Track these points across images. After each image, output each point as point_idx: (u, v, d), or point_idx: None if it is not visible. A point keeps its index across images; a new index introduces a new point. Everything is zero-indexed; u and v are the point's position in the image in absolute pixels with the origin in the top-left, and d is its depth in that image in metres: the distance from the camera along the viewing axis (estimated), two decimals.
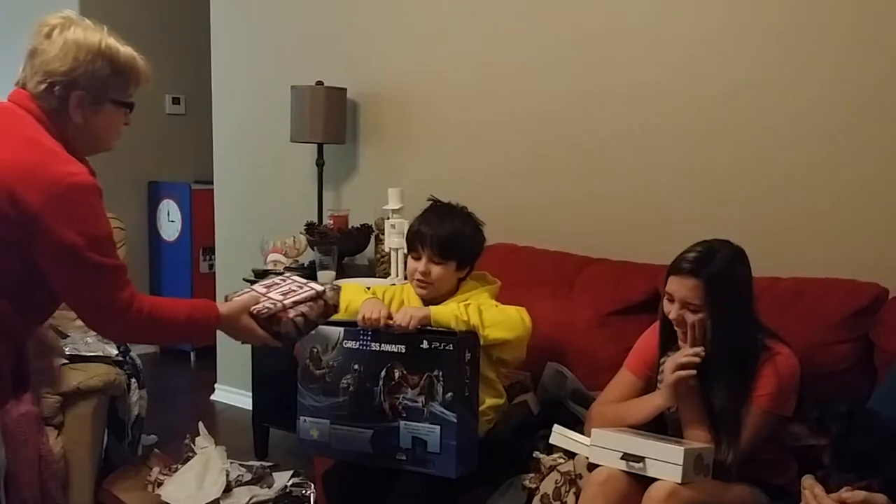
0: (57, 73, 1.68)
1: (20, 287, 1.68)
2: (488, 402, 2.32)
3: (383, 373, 2.15)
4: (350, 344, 2.19)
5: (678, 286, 2.06)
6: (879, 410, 1.93)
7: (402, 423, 2.12)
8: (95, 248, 1.65)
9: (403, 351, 2.13)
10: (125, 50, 1.77)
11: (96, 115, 1.74)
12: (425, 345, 2.11)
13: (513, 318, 2.26)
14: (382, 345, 2.16)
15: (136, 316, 1.71)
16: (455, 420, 2.07)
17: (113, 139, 1.83)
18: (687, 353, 2.02)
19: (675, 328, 2.11)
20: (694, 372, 2.01)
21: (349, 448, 2.18)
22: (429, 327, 2.17)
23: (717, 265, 2.05)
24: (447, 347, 2.09)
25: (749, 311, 2.08)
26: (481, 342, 2.19)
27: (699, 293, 2.03)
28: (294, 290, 1.98)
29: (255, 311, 1.90)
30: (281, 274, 2.19)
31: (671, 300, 2.09)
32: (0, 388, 1.71)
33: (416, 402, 2.11)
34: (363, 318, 2.18)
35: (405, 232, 3.07)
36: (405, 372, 2.12)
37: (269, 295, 1.96)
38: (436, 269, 2.34)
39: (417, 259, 2.37)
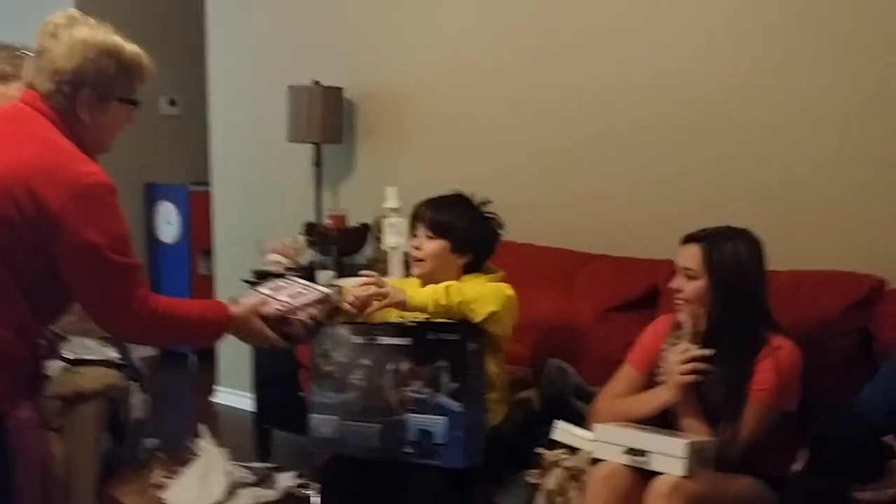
0: (64, 72, 1.68)
1: (39, 288, 1.69)
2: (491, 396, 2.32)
3: (391, 366, 2.16)
4: (358, 339, 2.21)
5: (682, 254, 2.11)
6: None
7: (409, 415, 2.13)
8: (115, 247, 1.66)
9: (410, 343, 2.15)
10: (130, 47, 1.77)
11: (103, 113, 1.75)
12: (431, 336, 2.13)
13: (493, 290, 2.24)
14: (389, 338, 2.17)
15: (152, 314, 1.72)
16: (461, 410, 2.08)
17: (114, 139, 1.83)
18: (694, 351, 2.02)
19: (674, 300, 2.11)
20: (702, 377, 2.01)
21: (359, 444, 2.19)
22: (428, 320, 2.18)
23: (723, 238, 2.07)
24: (451, 338, 2.11)
25: (755, 299, 2.08)
26: (471, 317, 2.17)
27: (699, 260, 2.05)
28: (301, 293, 1.99)
29: (265, 313, 1.90)
30: (283, 276, 2.19)
31: (676, 272, 2.11)
32: (16, 387, 1.71)
33: (423, 393, 2.12)
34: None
35: (404, 230, 3.08)
36: (412, 364, 2.14)
37: (278, 297, 1.96)
38: (427, 245, 2.34)
39: (415, 236, 2.39)
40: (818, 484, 1.78)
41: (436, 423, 2.09)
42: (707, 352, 2.01)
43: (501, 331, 2.29)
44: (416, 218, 2.41)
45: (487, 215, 2.43)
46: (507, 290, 2.28)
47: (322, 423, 2.24)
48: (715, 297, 2.05)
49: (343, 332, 2.24)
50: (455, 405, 2.08)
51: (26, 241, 1.63)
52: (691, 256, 2.08)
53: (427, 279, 2.39)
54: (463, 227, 2.35)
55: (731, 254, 2.05)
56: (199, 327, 1.84)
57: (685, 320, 2.10)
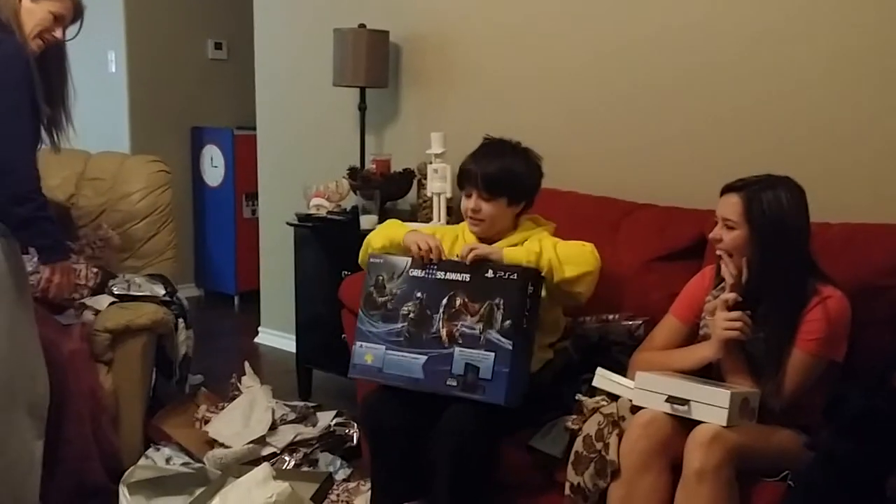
0: None
1: None
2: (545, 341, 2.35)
3: (445, 300, 2.18)
4: (416, 272, 2.23)
5: (721, 204, 2.07)
6: None
7: (457, 349, 2.14)
8: None
9: (468, 280, 2.16)
10: None
11: None
12: (490, 274, 2.15)
13: (586, 252, 2.27)
14: (448, 273, 2.19)
15: None
16: (510, 348, 2.09)
17: None
18: (732, 299, 1.99)
19: (716, 252, 2.09)
20: (745, 335, 1.98)
21: (400, 373, 2.20)
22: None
23: (764, 187, 2.02)
24: (511, 277, 2.13)
25: (799, 249, 2.03)
26: (557, 278, 2.18)
27: (738, 210, 2.02)
28: None
29: None
30: None
31: (717, 222, 2.08)
32: None
33: (474, 329, 2.13)
34: (419, 248, 2.21)
35: (447, 176, 3.07)
36: (467, 300, 2.15)
37: None
38: (486, 207, 2.33)
39: (468, 197, 2.36)
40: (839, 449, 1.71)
41: (483, 359, 2.11)
42: (740, 311, 1.99)
43: (586, 290, 2.27)
44: (466, 179, 2.36)
45: (529, 155, 2.40)
46: (596, 253, 2.28)
47: (367, 351, 2.26)
48: (756, 246, 2.01)
49: (401, 263, 2.26)
50: (505, 342, 2.10)
51: None
52: (730, 206, 2.04)
53: (484, 234, 2.39)
54: (516, 182, 2.32)
55: (771, 203, 2.00)
56: None
57: (726, 270, 2.07)
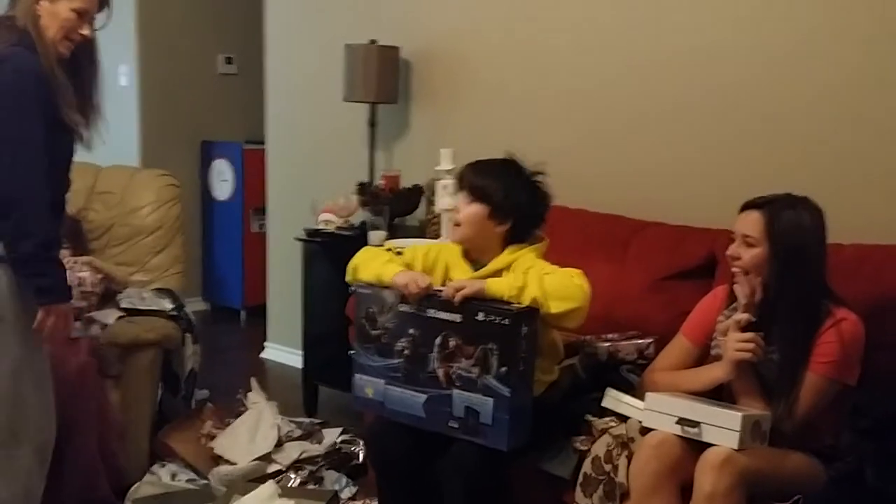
0: None
1: None
2: (546, 365, 2.29)
3: (438, 340, 2.11)
4: (405, 308, 2.15)
5: (741, 221, 2.05)
6: None
7: (455, 391, 2.08)
8: None
9: (459, 321, 2.08)
10: None
11: None
12: (481, 317, 2.05)
13: (573, 286, 2.13)
14: (438, 312, 2.10)
15: None
16: (508, 395, 2.03)
17: None
18: (746, 337, 1.97)
19: (731, 268, 2.07)
20: (757, 356, 1.97)
21: (402, 409, 2.17)
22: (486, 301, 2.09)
23: (785, 205, 2.01)
24: (503, 322, 2.02)
25: (816, 269, 2.02)
26: (542, 312, 2.09)
27: (760, 227, 2.00)
28: None
29: None
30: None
31: (733, 239, 2.07)
32: None
33: (471, 372, 2.06)
34: (409, 292, 2.12)
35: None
36: (460, 342, 2.08)
37: None
38: (464, 209, 2.25)
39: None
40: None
41: (482, 404, 2.05)
42: (756, 335, 1.96)
43: (573, 324, 2.19)
44: (459, 181, 2.32)
45: (535, 183, 2.30)
46: (585, 286, 2.15)
47: (366, 384, 2.23)
48: (774, 265, 1.99)
49: (390, 297, 2.18)
50: (503, 389, 2.03)
51: None
52: (752, 223, 2.02)
53: (466, 244, 2.31)
54: (502, 193, 2.22)
55: (792, 221, 1.99)
56: None
57: (740, 289, 2.05)
